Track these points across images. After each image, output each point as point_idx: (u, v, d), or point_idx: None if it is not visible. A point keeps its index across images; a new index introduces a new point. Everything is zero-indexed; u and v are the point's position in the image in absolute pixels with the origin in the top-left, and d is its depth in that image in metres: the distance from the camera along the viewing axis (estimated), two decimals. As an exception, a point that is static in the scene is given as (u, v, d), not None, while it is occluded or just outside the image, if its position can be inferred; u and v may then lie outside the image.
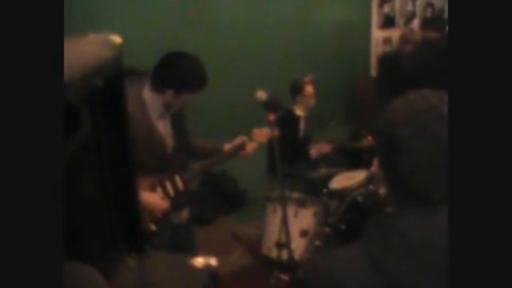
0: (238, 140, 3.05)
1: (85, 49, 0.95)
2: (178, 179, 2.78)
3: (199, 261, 1.42)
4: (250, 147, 3.09)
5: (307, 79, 4.29)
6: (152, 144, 2.65)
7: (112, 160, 1.18)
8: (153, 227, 2.59)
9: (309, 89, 4.27)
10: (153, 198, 2.64)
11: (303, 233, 3.46)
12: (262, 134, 3.12)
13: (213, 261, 1.43)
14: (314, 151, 4.34)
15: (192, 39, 4.28)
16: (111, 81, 1.00)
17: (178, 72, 2.57)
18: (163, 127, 2.72)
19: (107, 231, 1.22)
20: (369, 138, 4.69)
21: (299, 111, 4.02)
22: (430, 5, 6.56)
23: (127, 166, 1.24)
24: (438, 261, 1.17)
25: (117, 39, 1.06)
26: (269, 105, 2.67)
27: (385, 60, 5.61)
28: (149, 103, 2.62)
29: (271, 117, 2.63)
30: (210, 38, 4.57)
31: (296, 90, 4.27)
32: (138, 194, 1.34)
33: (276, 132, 2.72)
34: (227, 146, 3.05)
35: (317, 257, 2.34)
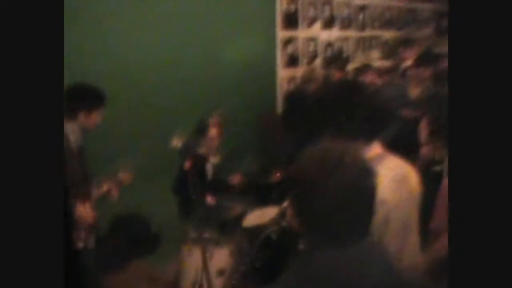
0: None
1: None
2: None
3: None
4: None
5: (211, 120, 4.34)
6: None
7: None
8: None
9: (213, 131, 4.33)
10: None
11: (220, 273, 3.49)
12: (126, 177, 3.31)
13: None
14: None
15: (100, 73, 4.26)
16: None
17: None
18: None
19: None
20: (278, 174, 4.81)
21: (213, 159, 4.05)
22: (330, 45, 6.95)
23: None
24: None
25: None
26: (184, 153, 2.74)
27: (290, 98, 5.86)
28: (69, 133, 2.73)
29: (188, 164, 2.70)
30: (117, 74, 4.55)
31: (200, 131, 4.30)
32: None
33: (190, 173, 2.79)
34: None
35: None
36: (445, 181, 2.60)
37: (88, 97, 2.93)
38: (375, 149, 1.98)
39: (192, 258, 3.45)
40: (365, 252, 1.35)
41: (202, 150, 4.18)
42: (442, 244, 2.44)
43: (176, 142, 2.73)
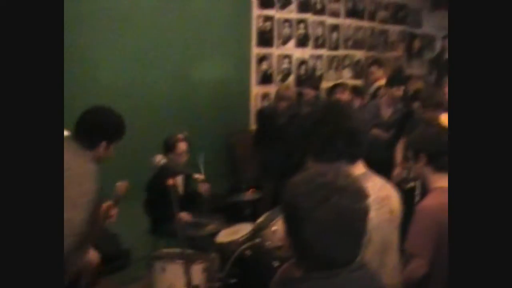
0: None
1: None
2: None
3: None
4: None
5: (179, 136, 4.39)
6: None
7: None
8: None
9: (181, 146, 4.36)
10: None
11: (193, 290, 3.48)
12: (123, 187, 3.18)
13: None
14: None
15: (70, 94, 4.23)
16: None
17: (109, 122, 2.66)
18: None
19: None
20: (252, 190, 4.81)
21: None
22: (304, 63, 7.04)
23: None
24: None
25: None
26: (168, 170, 2.73)
27: (262, 115, 5.90)
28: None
29: (171, 181, 2.69)
30: (88, 93, 4.53)
31: (169, 147, 4.34)
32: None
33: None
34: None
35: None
36: (420, 205, 2.66)
37: (112, 128, 2.76)
38: (360, 169, 2.02)
39: (166, 276, 3.42)
40: (355, 277, 1.36)
41: (171, 165, 4.20)
42: (416, 265, 2.50)
43: (159, 159, 2.73)
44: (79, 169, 0.73)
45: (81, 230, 0.61)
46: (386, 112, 5.74)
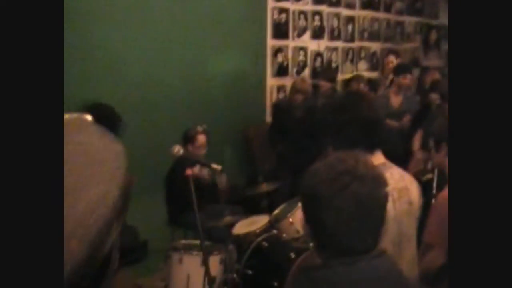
0: None
1: None
2: None
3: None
4: None
5: (199, 128, 4.39)
6: None
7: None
8: None
9: (201, 138, 4.35)
10: None
11: (211, 281, 3.50)
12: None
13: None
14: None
15: (98, 88, 4.30)
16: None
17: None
18: None
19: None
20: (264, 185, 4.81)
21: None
22: (320, 55, 7.02)
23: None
24: None
25: None
26: (186, 160, 2.75)
27: (277, 108, 5.90)
28: None
29: (189, 171, 2.71)
30: (107, 88, 4.57)
31: (188, 139, 4.33)
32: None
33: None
34: None
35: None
36: (439, 195, 2.64)
37: (109, 118, 2.84)
38: (379, 159, 2.02)
39: (183, 267, 3.45)
40: (376, 263, 1.37)
41: (191, 157, 4.21)
42: (434, 256, 2.48)
43: (177, 149, 2.75)
44: (108, 149, 0.73)
45: (118, 205, 0.61)
46: (396, 101, 5.78)
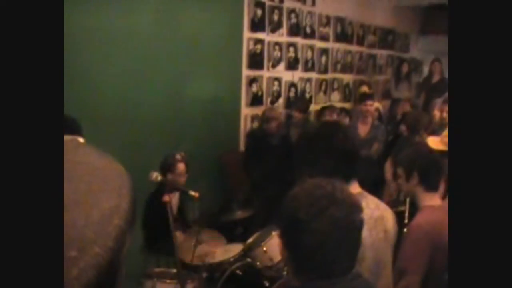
0: None
1: None
2: None
3: None
4: None
5: (178, 156, 4.30)
6: None
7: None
8: None
9: (180, 166, 4.25)
10: None
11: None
12: None
13: None
14: None
15: (71, 108, 4.23)
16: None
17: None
18: None
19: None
20: (238, 212, 4.79)
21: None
22: (294, 85, 7.10)
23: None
24: None
25: None
26: (164, 187, 2.74)
27: (252, 136, 5.94)
28: None
29: (166, 198, 2.70)
30: (83, 111, 4.52)
31: (167, 167, 4.22)
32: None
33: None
34: None
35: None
36: (411, 223, 2.68)
37: (71, 127, 2.86)
38: (355, 188, 2.04)
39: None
40: (353, 285, 1.39)
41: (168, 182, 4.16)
42: (408, 282, 2.51)
43: (155, 176, 2.74)
44: (109, 168, 0.74)
45: (129, 217, 0.61)
46: (363, 130, 5.92)
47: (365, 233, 1.50)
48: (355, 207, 1.42)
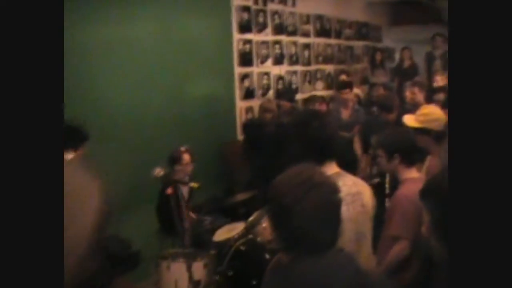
0: None
1: None
2: None
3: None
4: None
5: (182, 148, 4.33)
6: None
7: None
8: None
9: (186, 157, 4.29)
10: None
11: (196, 284, 3.47)
12: None
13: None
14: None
15: (74, 110, 4.21)
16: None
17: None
18: None
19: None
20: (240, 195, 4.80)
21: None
22: (281, 78, 7.09)
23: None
24: None
25: None
26: (167, 181, 2.75)
27: (250, 126, 5.92)
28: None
29: (169, 190, 2.71)
30: (91, 113, 4.50)
31: (174, 160, 4.24)
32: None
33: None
34: None
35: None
36: (397, 194, 2.67)
37: (74, 136, 2.87)
38: (333, 169, 2.05)
39: (170, 273, 3.42)
40: (336, 258, 1.40)
41: (178, 176, 4.14)
42: (400, 247, 2.52)
43: (158, 171, 2.74)
44: (82, 188, 0.74)
45: (100, 224, 0.63)
46: (345, 114, 5.93)
47: (343, 208, 1.51)
48: (333, 188, 1.44)
